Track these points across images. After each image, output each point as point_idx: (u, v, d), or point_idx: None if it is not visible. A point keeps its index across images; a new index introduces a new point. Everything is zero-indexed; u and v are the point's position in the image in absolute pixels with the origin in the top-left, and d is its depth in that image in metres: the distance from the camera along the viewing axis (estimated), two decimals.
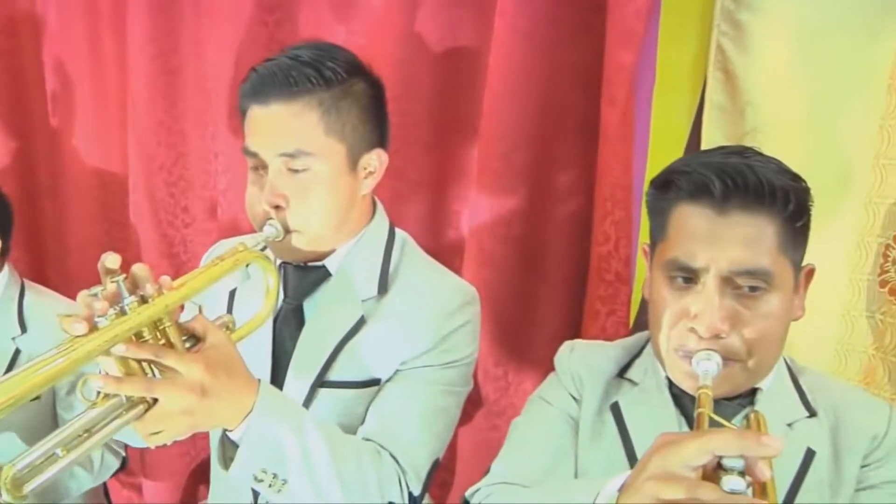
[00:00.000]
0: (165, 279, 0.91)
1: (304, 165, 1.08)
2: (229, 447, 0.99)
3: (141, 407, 0.87)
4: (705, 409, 0.82)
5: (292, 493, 1.00)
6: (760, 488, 0.71)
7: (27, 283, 1.69)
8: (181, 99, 1.90)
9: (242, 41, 1.70)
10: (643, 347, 1.08)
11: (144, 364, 0.88)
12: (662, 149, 1.52)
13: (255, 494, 1.18)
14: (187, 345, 0.93)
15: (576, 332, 1.54)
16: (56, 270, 2.16)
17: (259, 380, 0.99)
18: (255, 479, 0.98)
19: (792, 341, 1.54)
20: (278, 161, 1.09)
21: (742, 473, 0.68)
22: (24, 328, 1.63)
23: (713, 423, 0.84)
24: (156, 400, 0.88)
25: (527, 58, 1.48)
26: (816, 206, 1.49)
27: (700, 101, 1.52)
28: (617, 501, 0.73)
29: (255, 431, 0.96)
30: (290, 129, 1.08)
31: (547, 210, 1.55)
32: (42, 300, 1.67)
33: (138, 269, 0.88)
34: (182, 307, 1.21)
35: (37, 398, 1.62)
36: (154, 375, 0.88)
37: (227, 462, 0.99)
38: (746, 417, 0.90)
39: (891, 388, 1.48)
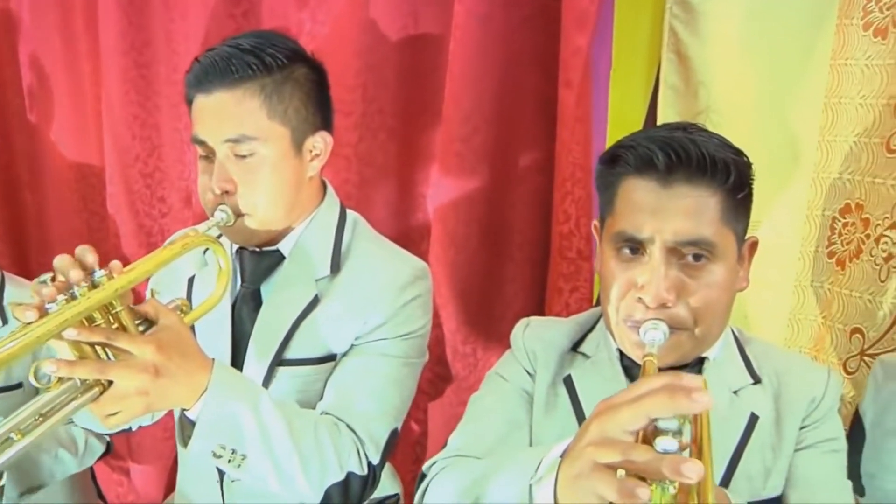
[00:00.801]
0: (115, 264, 0.90)
1: (249, 150, 1.08)
2: (187, 426, 0.98)
3: (96, 390, 0.86)
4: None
5: (252, 468, 1.00)
6: (697, 449, 0.70)
7: (7, 275, 1.66)
8: (154, 92, 1.86)
9: (211, 33, 1.67)
10: (596, 322, 1.07)
11: (98, 348, 0.88)
12: (620, 129, 1.51)
13: (221, 473, 1.17)
14: (141, 328, 0.93)
15: (540, 309, 1.53)
16: (38, 262, 2.12)
17: (213, 359, 0.99)
18: (214, 455, 0.98)
19: (748, 313, 1.56)
20: (225, 147, 1.09)
21: (678, 433, 0.67)
22: (4, 320, 1.60)
23: None
24: (111, 382, 0.87)
25: (486, 42, 1.47)
26: (768, 182, 1.50)
27: (655, 82, 1.51)
28: (559, 466, 0.72)
29: (210, 409, 0.96)
30: (233, 115, 1.07)
31: (509, 190, 1.54)
32: (22, 292, 1.64)
33: (81, 250, 0.87)
34: (143, 295, 1.20)
35: (19, 387, 1.59)
36: (108, 358, 0.87)
37: (186, 440, 0.99)
38: None
39: (836, 354, 1.48)
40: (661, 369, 0.92)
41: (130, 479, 2.10)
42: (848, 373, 1.48)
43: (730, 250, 0.92)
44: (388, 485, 1.28)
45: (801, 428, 0.96)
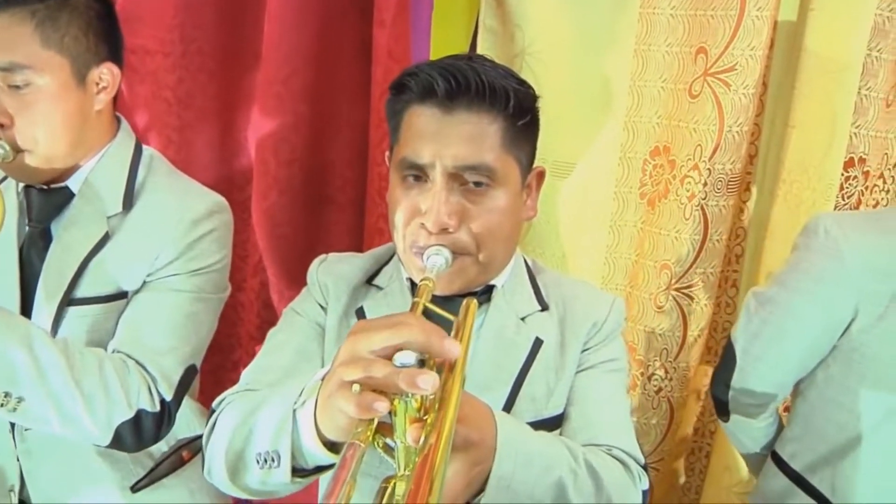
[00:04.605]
0: None
1: (24, 80, 1.00)
2: None
3: None
4: (421, 300, 0.79)
5: (30, 411, 0.96)
6: (450, 365, 0.69)
7: None
8: None
9: None
10: (392, 255, 1.05)
11: None
12: None
13: (13, 423, 1.09)
14: None
15: (361, 250, 1.50)
16: None
17: None
18: None
19: (566, 252, 1.59)
20: None
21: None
22: None
23: (428, 313, 0.83)
24: None
25: None
26: (582, 126, 1.52)
27: (476, 25, 1.50)
28: (319, 388, 0.70)
29: None
30: (1, 42, 0.99)
31: (329, 132, 1.49)
32: None
33: None
34: None
35: None
36: None
37: None
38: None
39: (648, 290, 1.53)
40: (449, 297, 0.92)
41: None
42: (658, 307, 1.54)
43: (512, 177, 0.92)
44: (198, 425, 1.23)
45: (584, 350, 0.98)
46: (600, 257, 1.60)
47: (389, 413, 0.64)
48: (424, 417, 0.64)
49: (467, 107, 0.87)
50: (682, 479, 1.74)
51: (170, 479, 1.17)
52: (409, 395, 0.63)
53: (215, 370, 1.59)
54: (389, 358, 0.64)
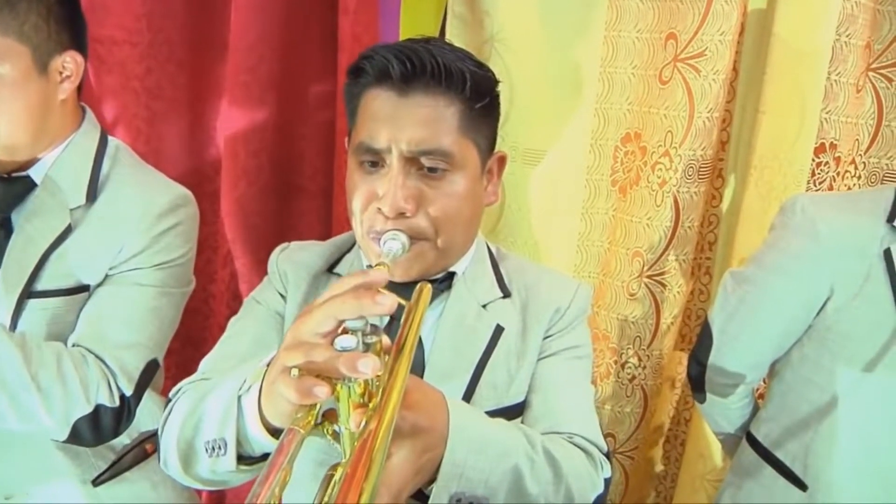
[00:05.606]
0: None
1: None
2: None
3: None
4: None
5: None
6: (398, 349, 0.68)
7: None
8: None
9: None
10: (354, 244, 1.03)
11: None
12: None
13: None
14: None
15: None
16: None
17: None
18: None
19: (538, 240, 1.58)
20: None
21: (370, 333, 0.64)
22: None
23: None
24: None
25: None
26: (552, 113, 1.50)
27: (445, 11, 1.48)
28: (264, 374, 0.68)
29: None
30: None
31: (298, 121, 1.47)
32: None
33: None
34: None
35: None
36: None
37: None
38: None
39: (620, 278, 1.52)
40: (407, 283, 0.91)
41: None
42: (630, 295, 1.53)
43: (470, 161, 0.90)
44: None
45: (546, 337, 0.97)
46: (572, 245, 1.58)
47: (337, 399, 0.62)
48: (368, 403, 0.63)
49: (424, 90, 0.86)
50: (658, 468, 1.73)
51: (132, 472, 1.15)
52: (352, 379, 0.61)
53: (186, 363, 1.58)
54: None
